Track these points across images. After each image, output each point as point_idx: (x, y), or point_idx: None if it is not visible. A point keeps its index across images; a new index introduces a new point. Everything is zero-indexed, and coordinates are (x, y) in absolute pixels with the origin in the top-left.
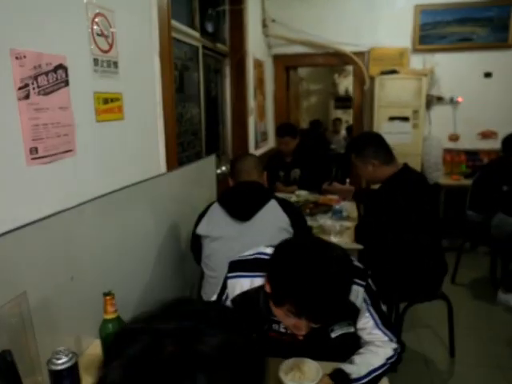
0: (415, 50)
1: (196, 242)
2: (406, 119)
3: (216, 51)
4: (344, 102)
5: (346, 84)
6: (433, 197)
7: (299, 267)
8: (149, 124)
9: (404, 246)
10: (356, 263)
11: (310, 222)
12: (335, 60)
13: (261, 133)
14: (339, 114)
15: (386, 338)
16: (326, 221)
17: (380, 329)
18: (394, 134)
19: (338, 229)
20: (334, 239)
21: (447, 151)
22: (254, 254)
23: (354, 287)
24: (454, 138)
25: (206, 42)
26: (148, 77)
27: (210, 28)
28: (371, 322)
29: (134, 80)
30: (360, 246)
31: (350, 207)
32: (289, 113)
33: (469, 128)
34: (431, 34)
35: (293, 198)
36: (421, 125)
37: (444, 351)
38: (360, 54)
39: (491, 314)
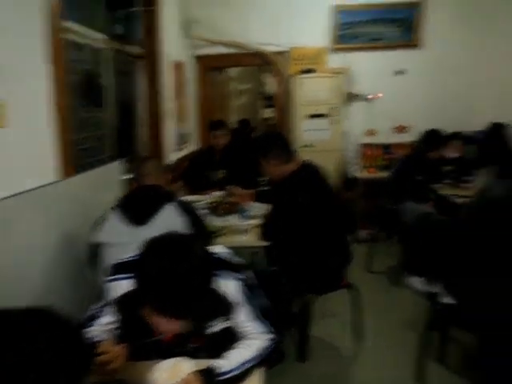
0: (334, 50)
1: (94, 251)
2: (324, 116)
3: (129, 53)
4: (271, 100)
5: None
6: (330, 191)
7: (149, 262)
8: (39, 131)
9: (306, 239)
10: (235, 259)
11: (220, 222)
12: (257, 60)
13: (181, 135)
14: (268, 113)
15: (261, 330)
16: (234, 221)
17: (255, 321)
18: (314, 131)
19: (246, 228)
20: (241, 238)
21: (365, 146)
22: (134, 256)
23: (228, 282)
24: (371, 133)
25: (114, 45)
26: (37, 82)
27: (119, 30)
28: (246, 316)
29: (20, 86)
30: (265, 243)
31: (259, 206)
32: (214, 113)
33: (384, 123)
34: (348, 33)
35: (206, 200)
36: (339, 121)
37: (354, 337)
38: (280, 54)
39: (401, 297)
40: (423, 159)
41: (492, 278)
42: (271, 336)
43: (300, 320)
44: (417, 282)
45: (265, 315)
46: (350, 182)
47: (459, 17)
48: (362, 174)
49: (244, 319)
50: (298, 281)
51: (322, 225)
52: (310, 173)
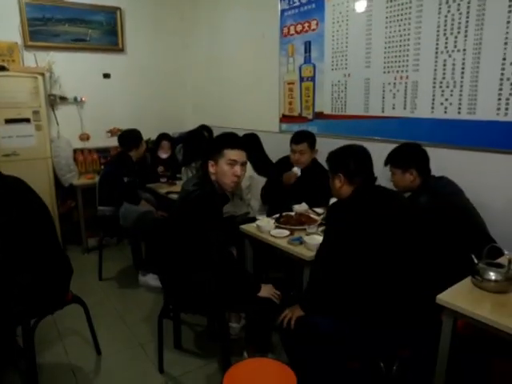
0: (27, 47)
1: None
2: (26, 121)
3: None
4: None
5: None
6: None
7: None
8: None
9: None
10: None
11: None
12: None
13: None
14: None
15: None
16: None
17: None
18: (14, 138)
19: None
20: None
21: (79, 151)
22: None
23: None
24: (85, 137)
25: None
26: None
27: None
28: None
29: None
30: None
31: None
32: None
33: (97, 126)
34: (43, 30)
35: None
36: (45, 126)
37: (92, 352)
38: None
39: (136, 297)
40: (127, 161)
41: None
42: None
43: (25, 350)
44: (151, 279)
45: None
46: (66, 191)
47: (156, 23)
48: (79, 180)
49: None
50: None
51: (35, 241)
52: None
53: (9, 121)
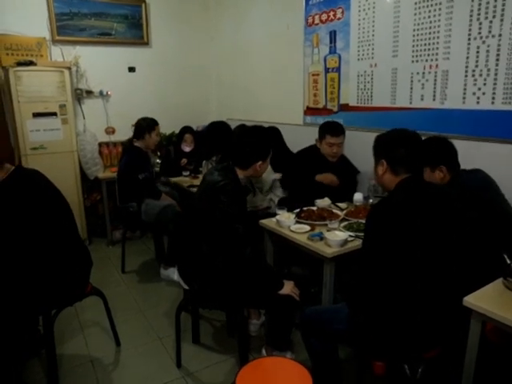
0: (55, 41)
1: None
2: (53, 115)
3: None
4: None
5: None
6: (57, 196)
7: None
8: None
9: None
10: None
11: None
12: None
13: None
14: None
15: None
16: None
17: None
18: (42, 132)
19: None
20: None
21: (104, 144)
22: None
23: None
24: (110, 130)
25: None
26: None
27: None
28: None
29: None
30: None
31: None
32: None
33: (122, 120)
34: (70, 25)
35: None
36: (71, 120)
37: (111, 344)
38: None
39: (157, 291)
40: (138, 155)
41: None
42: None
43: (46, 340)
44: (172, 273)
45: None
46: (92, 184)
47: (180, 15)
48: (104, 174)
49: None
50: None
51: (54, 234)
52: (22, 181)
53: (36, 114)
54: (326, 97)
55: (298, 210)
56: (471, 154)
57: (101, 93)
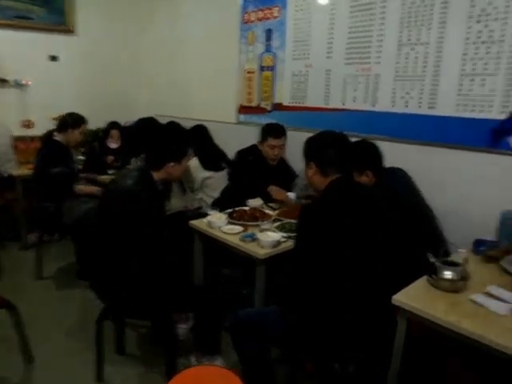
0: None
1: None
2: None
3: None
4: None
5: None
6: None
7: None
8: None
9: None
10: None
11: None
12: None
13: None
14: None
15: None
16: None
17: None
18: None
19: None
20: None
21: (20, 139)
22: None
23: None
24: (28, 124)
25: None
26: None
27: None
28: None
29: None
30: None
31: None
32: None
33: (43, 113)
34: None
35: None
36: None
37: (21, 361)
38: None
39: (77, 299)
40: (55, 147)
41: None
42: None
43: None
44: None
45: None
46: (4, 182)
47: (110, 4)
48: (20, 171)
49: None
50: None
51: None
52: None
53: None
54: (260, 95)
55: (230, 211)
56: (399, 155)
57: (17, 82)
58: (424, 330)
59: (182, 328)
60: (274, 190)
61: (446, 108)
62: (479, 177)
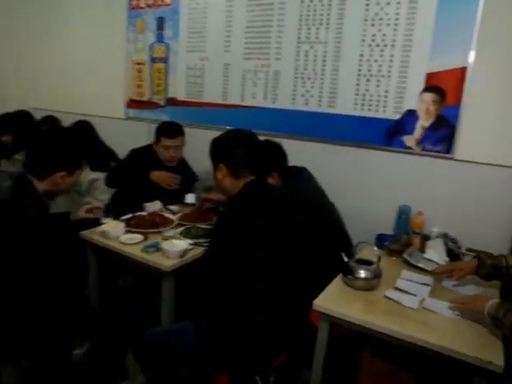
0: None
1: None
2: None
3: None
4: None
5: None
6: None
7: None
8: None
9: None
10: None
11: None
12: None
13: None
14: None
15: None
16: None
17: None
18: None
19: None
20: None
21: None
22: None
23: None
24: None
25: None
26: None
27: None
28: None
29: None
30: None
31: None
32: None
33: None
34: None
35: None
36: None
37: None
38: None
39: None
40: None
41: None
42: None
43: None
44: None
45: None
46: None
47: None
48: None
49: None
50: None
51: None
52: None
53: None
54: (151, 89)
55: (127, 217)
56: (300, 153)
57: None
58: (341, 327)
59: (77, 353)
60: (156, 175)
61: (345, 107)
62: (378, 174)
